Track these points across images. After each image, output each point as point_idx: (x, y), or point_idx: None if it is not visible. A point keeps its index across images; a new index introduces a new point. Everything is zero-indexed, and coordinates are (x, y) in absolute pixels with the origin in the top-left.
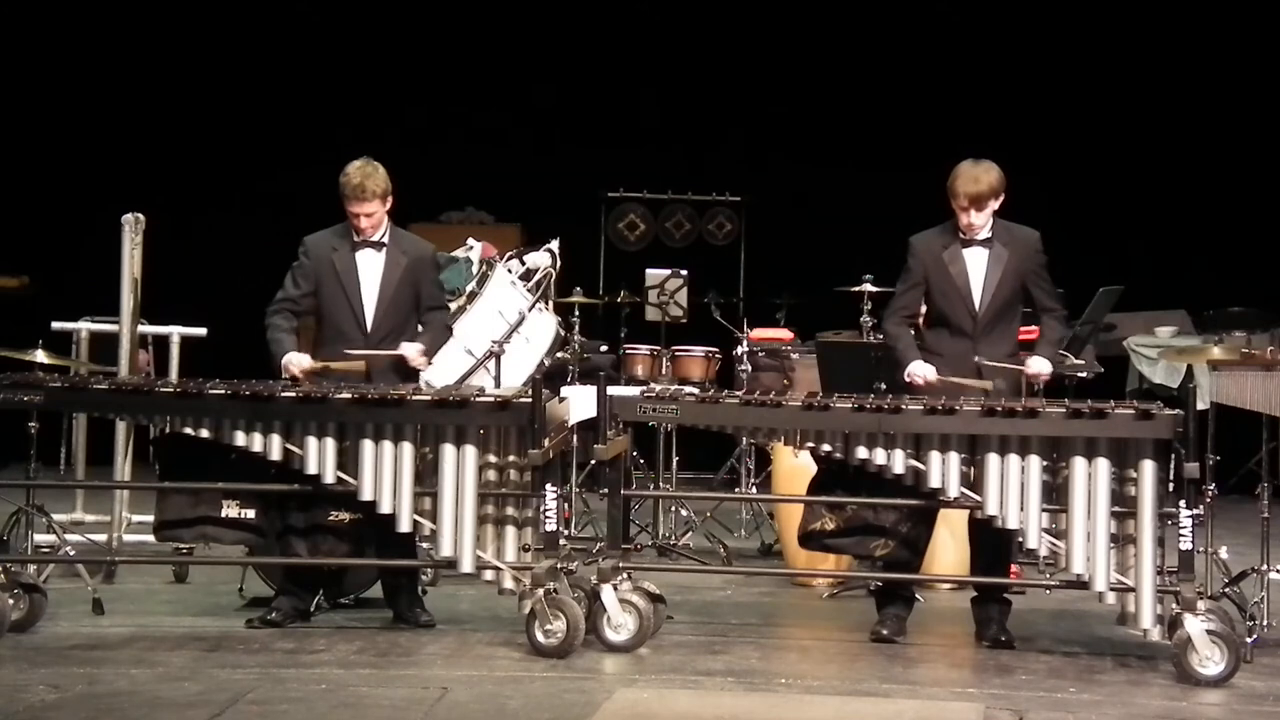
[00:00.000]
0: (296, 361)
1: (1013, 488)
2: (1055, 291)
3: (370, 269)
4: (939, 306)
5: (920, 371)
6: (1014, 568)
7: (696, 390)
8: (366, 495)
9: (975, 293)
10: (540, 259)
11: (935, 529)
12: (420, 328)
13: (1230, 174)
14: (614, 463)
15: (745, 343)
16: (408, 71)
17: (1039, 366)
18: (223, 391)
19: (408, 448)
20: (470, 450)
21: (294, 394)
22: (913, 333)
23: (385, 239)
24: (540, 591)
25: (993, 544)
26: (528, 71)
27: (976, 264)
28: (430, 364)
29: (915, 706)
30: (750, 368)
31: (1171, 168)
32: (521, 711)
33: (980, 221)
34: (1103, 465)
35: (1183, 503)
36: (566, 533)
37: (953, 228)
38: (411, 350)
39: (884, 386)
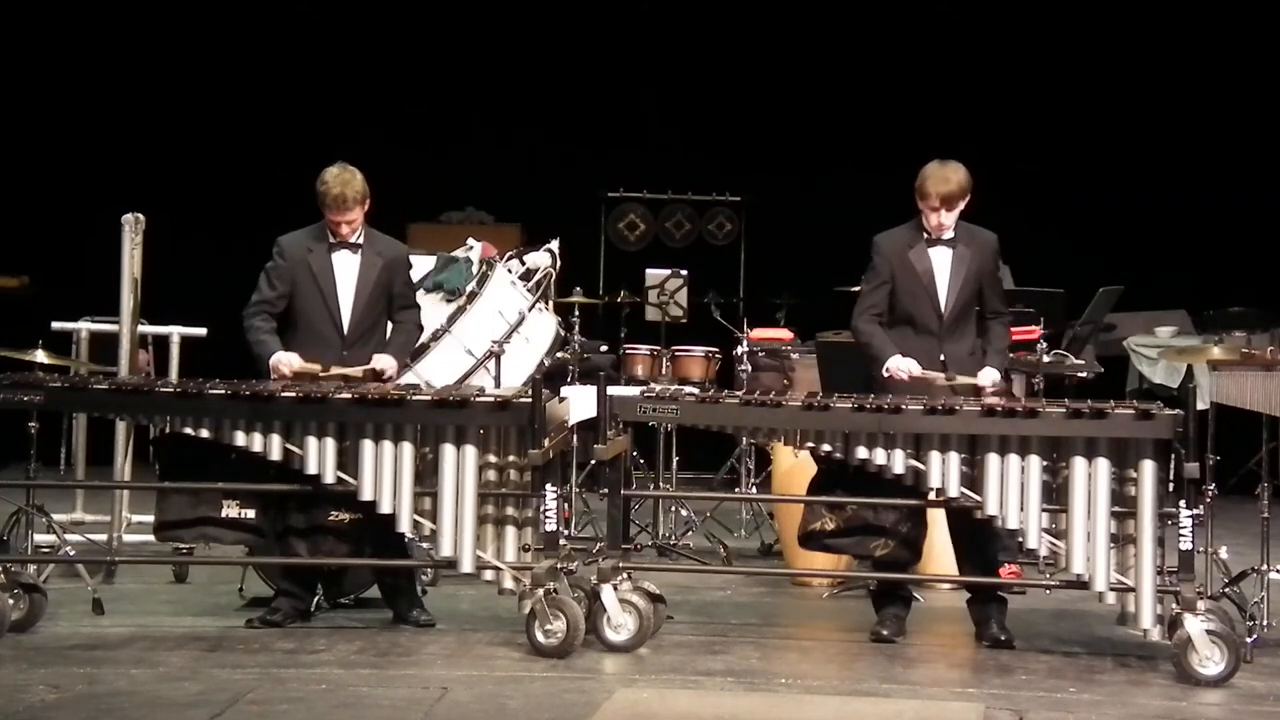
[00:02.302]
0: (287, 360)
1: (1013, 488)
2: (1004, 295)
3: (346, 271)
4: (904, 305)
5: (902, 366)
6: (1014, 568)
7: (696, 390)
8: (366, 495)
9: (941, 291)
10: (540, 259)
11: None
12: (390, 328)
13: (1230, 174)
14: (614, 463)
15: (745, 343)
16: (408, 71)
17: (989, 378)
18: (223, 391)
19: (408, 448)
20: (470, 450)
21: (294, 394)
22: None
23: (360, 240)
24: (540, 591)
25: (976, 541)
26: (528, 71)
27: (942, 263)
28: (402, 369)
29: (915, 706)
30: (750, 368)
31: (1171, 168)
32: (521, 711)
33: (950, 221)
34: (1103, 465)
35: (1183, 503)
36: (566, 533)
37: (917, 226)
38: (384, 363)
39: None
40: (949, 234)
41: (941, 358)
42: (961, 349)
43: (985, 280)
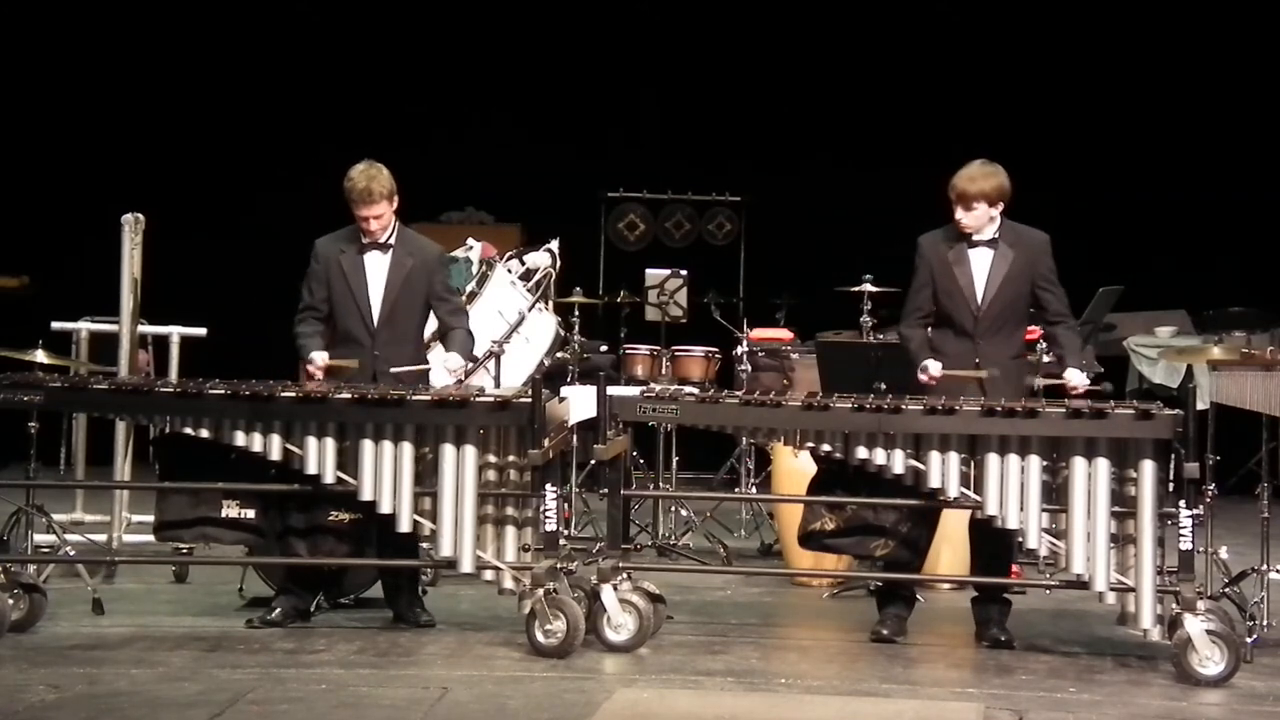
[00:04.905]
0: (315, 360)
1: (1013, 488)
2: (1064, 297)
3: (376, 270)
4: (943, 306)
5: (929, 370)
6: (1014, 568)
7: (696, 390)
8: (366, 495)
9: (978, 293)
10: (540, 259)
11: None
12: (442, 338)
13: (1230, 174)
14: (614, 463)
15: (745, 343)
16: (408, 71)
17: (1077, 380)
18: (223, 391)
19: (408, 448)
20: (470, 450)
21: (294, 394)
22: (927, 333)
23: (392, 240)
24: (540, 591)
25: (992, 544)
26: (527, 71)
27: (980, 264)
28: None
29: (915, 706)
30: (750, 368)
31: (1171, 168)
32: (521, 711)
33: (970, 221)
34: (1103, 465)
35: (1183, 503)
36: (566, 533)
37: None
38: (454, 362)
39: (883, 386)
40: (990, 234)
41: (976, 360)
42: (999, 351)
43: (1039, 282)
